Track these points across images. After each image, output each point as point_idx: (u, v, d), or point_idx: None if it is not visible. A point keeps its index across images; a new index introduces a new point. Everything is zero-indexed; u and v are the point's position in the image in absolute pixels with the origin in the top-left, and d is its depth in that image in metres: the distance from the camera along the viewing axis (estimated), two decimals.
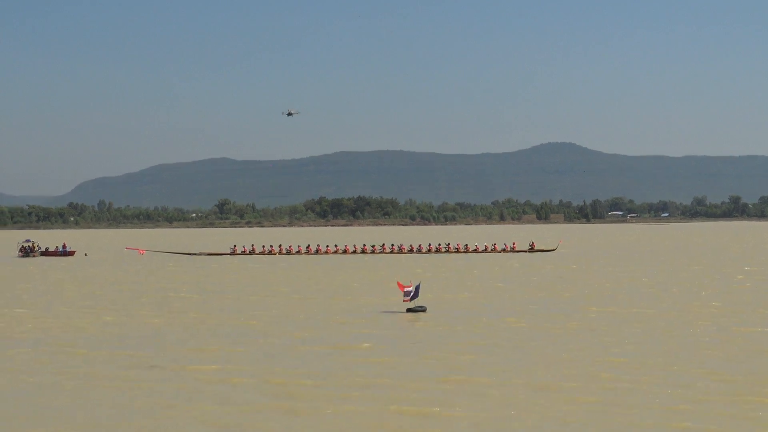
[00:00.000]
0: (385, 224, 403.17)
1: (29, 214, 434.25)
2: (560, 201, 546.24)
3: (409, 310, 38.91)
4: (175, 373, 25.05)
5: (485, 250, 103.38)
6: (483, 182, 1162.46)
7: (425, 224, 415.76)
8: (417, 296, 39.92)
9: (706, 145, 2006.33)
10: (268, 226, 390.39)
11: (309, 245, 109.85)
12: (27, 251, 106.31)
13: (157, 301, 47.04)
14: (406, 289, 39.88)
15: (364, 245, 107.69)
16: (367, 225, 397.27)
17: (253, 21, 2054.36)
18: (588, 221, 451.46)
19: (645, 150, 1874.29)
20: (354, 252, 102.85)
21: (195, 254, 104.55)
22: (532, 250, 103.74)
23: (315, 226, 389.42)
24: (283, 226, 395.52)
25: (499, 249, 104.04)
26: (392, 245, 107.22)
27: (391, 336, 32.18)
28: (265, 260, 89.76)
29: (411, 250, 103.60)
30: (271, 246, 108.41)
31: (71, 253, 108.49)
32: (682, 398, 21.59)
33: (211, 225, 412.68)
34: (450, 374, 24.70)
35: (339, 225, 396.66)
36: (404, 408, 20.99)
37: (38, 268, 79.49)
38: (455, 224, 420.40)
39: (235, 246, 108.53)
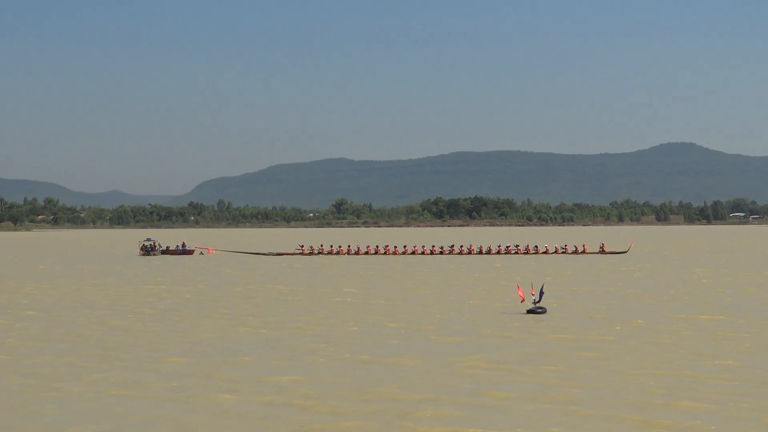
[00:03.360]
0: (501, 225, 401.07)
1: (151, 213, 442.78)
2: (680, 202, 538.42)
3: (529, 312, 38.27)
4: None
5: (555, 252, 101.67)
6: (601, 183, 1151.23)
7: (542, 225, 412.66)
8: (541, 298, 39.38)
9: None
10: (385, 227, 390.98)
11: (378, 246, 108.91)
12: (148, 250, 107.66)
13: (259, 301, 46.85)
14: (530, 294, 39.50)
15: (433, 247, 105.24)
16: (484, 225, 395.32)
17: (369, 21, 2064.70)
18: (709, 222, 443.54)
19: None
20: (423, 253, 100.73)
21: (264, 254, 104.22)
22: (602, 252, 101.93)
23: (431, 226, 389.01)
24: (400, 226, 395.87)
25: (569, 251, 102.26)
26: (461, 246, 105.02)
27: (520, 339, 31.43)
28: (346, 261, 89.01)
29: (480, 252, 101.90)
30: (340, 246, 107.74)
31: (190, 252, 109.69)
32: None
33: (329, 225, 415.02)
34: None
35: (455, 225, 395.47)
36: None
37: (149, 267, 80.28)
38: (573, 225, 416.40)
39: (303, 246, 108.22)
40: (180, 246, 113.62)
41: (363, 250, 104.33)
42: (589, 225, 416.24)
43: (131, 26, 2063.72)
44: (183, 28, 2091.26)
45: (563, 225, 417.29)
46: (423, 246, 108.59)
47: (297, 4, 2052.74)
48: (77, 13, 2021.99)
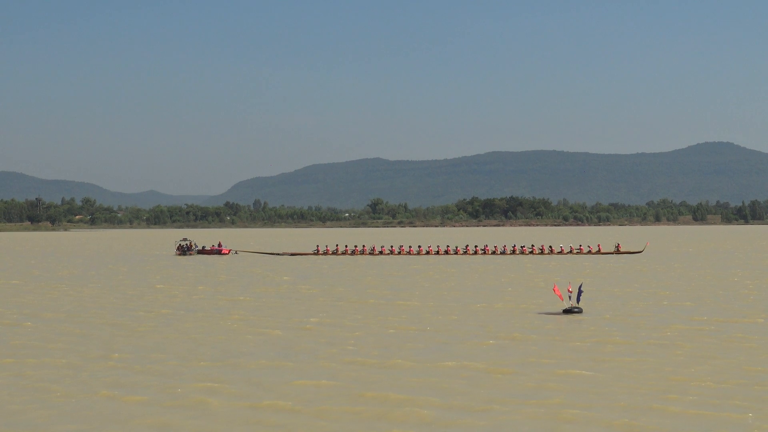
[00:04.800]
0: (537, 225, 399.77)
1: (187, 213, 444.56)
2: (717, 202, 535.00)
3: (565, 311, 38.07)
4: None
5: (570, 252, 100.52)
6: (638, 182, 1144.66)
7: (578, 225, 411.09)
8: (579, 299, 39.07)
9: None
10: (420, 226, 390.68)
11: (392, 246, 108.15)
12: (184, 249, 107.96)
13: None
14: (567, 293, 39.25)
15: (447, 247, 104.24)
16: (520, 225, 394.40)
17: (405, 21, 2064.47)
18: (746, 222, 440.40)
19: None
20: (437, 253, 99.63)
21: (279, 254, 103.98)
22: (618, 251, 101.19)
23: (467, 226, 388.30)
24: (435, 226, 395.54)
25: (584, 251, 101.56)
26: (476, 247, 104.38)
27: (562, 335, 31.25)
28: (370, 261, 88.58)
29: (494, 252, 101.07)
30: (355, 246, 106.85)
31: (226, 252, 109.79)
32: None
33: (364, 225, 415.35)
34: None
35: (491, 225, 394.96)
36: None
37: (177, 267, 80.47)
38: (609, 225, 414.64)
39: (318, 246, 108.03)
40: (216, 246, 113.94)
41: (378, 250, 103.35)
42: (625, 225, 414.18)
43: (168, 25, 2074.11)
44: (219, 28, 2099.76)
45: (599, 225, 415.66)
46: (437, 246, 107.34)
47: (333, 4, 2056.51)
48: (112, 11, 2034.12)
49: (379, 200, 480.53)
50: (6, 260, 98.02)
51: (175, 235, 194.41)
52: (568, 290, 39.82)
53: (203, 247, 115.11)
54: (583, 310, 38.26)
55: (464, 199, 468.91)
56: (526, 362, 26.02)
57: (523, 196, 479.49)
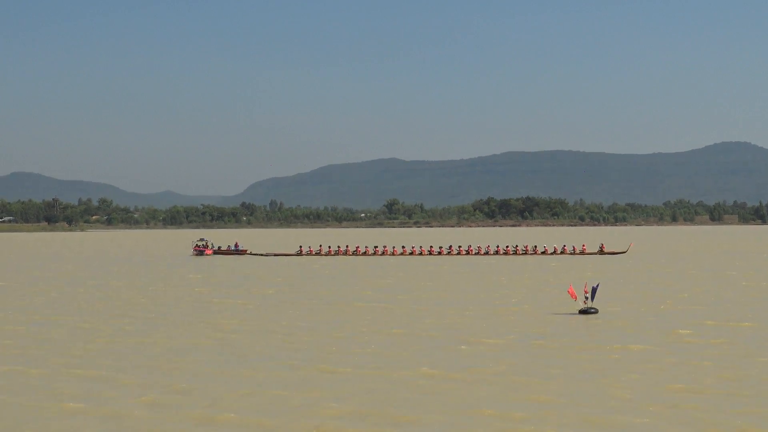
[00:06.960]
0: (553, 225, 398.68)
1: (203, 213, 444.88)
2: (734, 202, 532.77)
3: (581, 312, 37.98)
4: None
5: (554, 252, 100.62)
6: (654, 182, 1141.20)
7: (595, 225, 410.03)
8: (593, 298, 38.92)
9: None
10: (436, 226, 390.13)
11: (376, 246, 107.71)
12: (201, 250, 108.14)
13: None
14: (583, 294, 39.12)
15: (431, 247, 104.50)
16: (536, 225, 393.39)
17: (421, 22, 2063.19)
18: (764, 222, 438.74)
19: None
20: (420, 254, 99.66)
21: (263, 255, 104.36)
22: (602, 252, 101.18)
23: (483, 226, 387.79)
24: (451, 226, 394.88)
25: (568, 251, 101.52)
26: (459, 247, 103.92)
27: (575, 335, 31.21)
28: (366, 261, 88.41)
29: (478, 252, 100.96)
30: (339, 247, 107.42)
31: (243, 252, 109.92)
32: None
33: (380, 225, 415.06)
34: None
35: (507, 225, 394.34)
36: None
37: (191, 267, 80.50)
38: (625, 225, 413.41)
39: (301, 247, 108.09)
40: (233, 246, 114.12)
41: (362, 250, 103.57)
42: (642, 225, 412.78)
43: (184, 27, 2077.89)
44: (236, 29, 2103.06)
45: (616, 225, 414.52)
46: (420, 246, 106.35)
47: (349, 4, 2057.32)
48: (131, 13, 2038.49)
49: (395, 200, 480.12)
50: (16, 263, 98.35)
51: (191, 236, 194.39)
52: (585, 291, 39.55)
53: (219, 247, 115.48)
54: (599, 311, 38.31)
55: (480, 200, 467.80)
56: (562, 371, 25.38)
57: (539, 196, 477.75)
